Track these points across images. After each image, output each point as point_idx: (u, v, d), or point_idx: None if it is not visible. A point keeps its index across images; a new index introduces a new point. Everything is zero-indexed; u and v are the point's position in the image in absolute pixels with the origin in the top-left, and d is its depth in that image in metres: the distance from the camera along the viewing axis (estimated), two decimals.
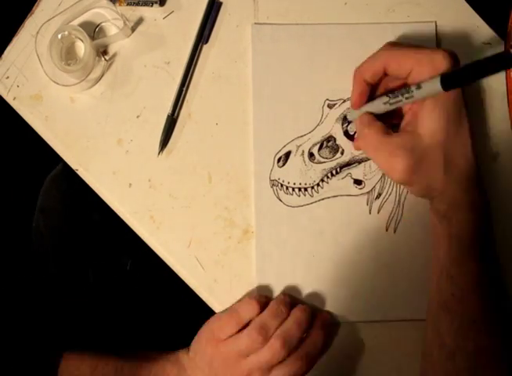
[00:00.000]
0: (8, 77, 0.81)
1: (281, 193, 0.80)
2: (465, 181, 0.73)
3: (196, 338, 0.80)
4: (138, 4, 0.82)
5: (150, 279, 0.86)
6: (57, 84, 0.79)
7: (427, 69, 0.70)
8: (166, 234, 0.80)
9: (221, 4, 0.83)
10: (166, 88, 0.82)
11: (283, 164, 0.80)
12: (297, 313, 0.77)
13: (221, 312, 0.80)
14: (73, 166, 0.81)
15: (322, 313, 0.79)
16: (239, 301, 0.79)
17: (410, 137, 0.72)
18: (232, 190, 0.81)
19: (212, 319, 0.79)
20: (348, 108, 0.81)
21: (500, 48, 0.83)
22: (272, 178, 0.80)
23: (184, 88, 0.81)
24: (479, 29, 0.84)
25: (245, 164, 0.81)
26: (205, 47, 0.82)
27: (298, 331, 0.76)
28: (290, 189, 0.80)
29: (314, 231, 0.80)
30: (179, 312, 1.00)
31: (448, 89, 0.67)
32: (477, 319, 0.71)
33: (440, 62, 0.70)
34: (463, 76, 0.67)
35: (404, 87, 0.72)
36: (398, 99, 0.72)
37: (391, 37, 0.82)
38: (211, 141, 0.81)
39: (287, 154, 0.81)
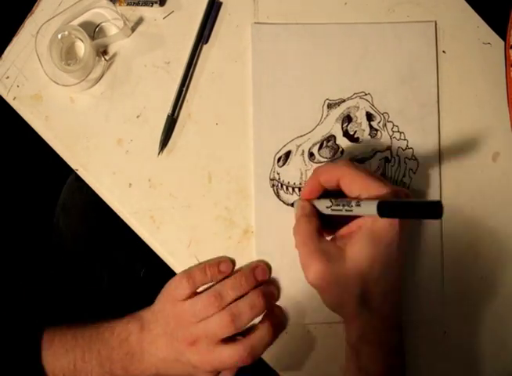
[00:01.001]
0: (8, 77, 0.81)
1: (281, 193, 0.80)
2: (378, 320, 0.72)
3: (159, 294, 0.80)
4: (138, 4, 0.82)
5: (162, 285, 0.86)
6: (57, 84, 0.79)
7: (373, 194, 0.70)
8: (166, 234, 0.80)
9: (221, 4, 0.83)
10: (166, 88, 0.82)
11: (283, 164, 0.80)
12: (252, 297, 0.76)
13: (182, 271, 0.79)
14: (74, 166, 0.81)
15: (277, 308, 0.80)
16: (199, 263, 0.79)
17: (335, 250, 0.72)
18: (232, 190, 0.81)
19: (172, 279, 0.79)
20: (298, 198, 0.80)
21: (501, 48, 0.83)
22: (272, 178, 0.80)
23: (184, 88, 0.81)
24: (479, 29, 0.84)
25: (245, 164, 0.81)
26: (205, 47, 0.82)
27: (250, 313, 0.75)
28: (290, 189, 0.80)
29: None
30: None
31: (383, 216, 0.66)
32: None
33: (385, 195, 0.70)
34: (398, 208, 0.66)
35: (347, 199, 0.71)
36: (338, 207, 0.72)
37: (391, 37, 0.82)
38: (211, 141, 0.81)
39: (287, 154, 0.81)
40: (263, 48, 0.82)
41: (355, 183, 0.71)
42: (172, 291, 0.78)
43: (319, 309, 0.79)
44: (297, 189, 0.80)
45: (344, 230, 0.74)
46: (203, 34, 0.82)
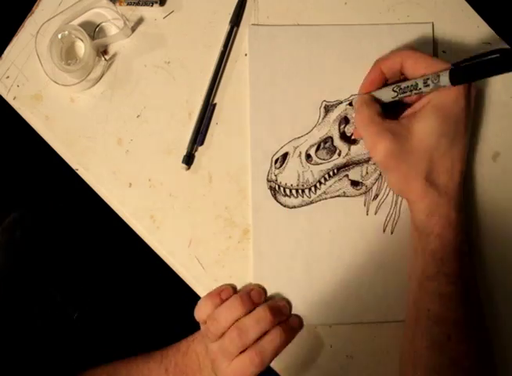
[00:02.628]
0: (8, 77, 0.81)
1: (278, 195, 0.80)
2: (444, 195, 0.73)
3: None
4: (138, 4, 0.82)
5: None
6: (57, 84, 0.79)
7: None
8: (166, 234, 0.80)
9: None
10: (166, 88, 0.82)
11: (281, 166, 0.80)
12: (258, 311, 0.77)
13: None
14: (73, 166, 0.81)
15: (293, 318, 0.80)
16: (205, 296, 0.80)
17: (402, 128, 0.73)
18: (232, 190, 0.81)
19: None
20: (354, 95, 0.81)
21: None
22: (269, 180, 0.80)
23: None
24: (479, 29, 0.84)
25: (245, 164, 0.81)
26: (205, 47, 0.82)
27: (257, 328, 0.75)
28: (288, 191, 0.80)
29: (311, 232, 0.80)
30: (179, 312, 1.00)
31: (456, 83, 0.68)
32: (452, 336, 0.71)
33: (449, 66, 0.71)
34: (472, 71, 0.67)
35: (412, 84, 0.73)
36: (406, 94, 0.73)
37: (388, 39, 0.82)
38: (212, 141, 0.81)
39: (284, 156, 0.81)
40: (260, 49, 0.82)
41: (419, 63, 0.73)
42: (196, 314, 0.79)
43: (318, 310, 0.80)
44: (294, 191, 0.80)
45: (408, 112, 0.76)
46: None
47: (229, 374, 0.76)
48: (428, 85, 0.71)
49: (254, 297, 0.78)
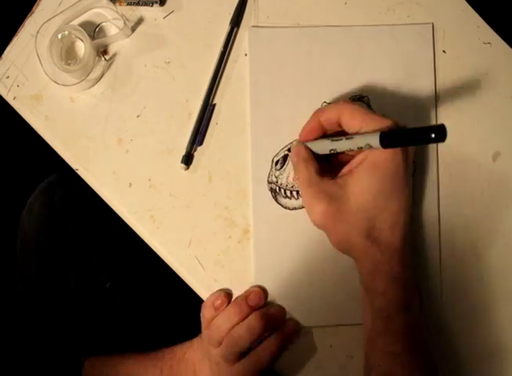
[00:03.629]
0: (8, 77, 0.81)
1: (279, 196, 0.80)
2: (387, 252, 0.72)
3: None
4: (138, 4, 0.82)
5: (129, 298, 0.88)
6: (57, 84, 0.79)
7: (374, 128, 0.71)
8: (166, 234, 0.80)
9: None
10: (166, 88, 0.82)
11: (281, 167, 0.80)
12: (249, 320, 0.77)
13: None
14: (74, 166, 0.81)
15: (289, 323, 0.80)
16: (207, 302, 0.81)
17: (337, 188, 0.72)
18: (232, 190, 0.81)
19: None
20: (292, 141, 0.81)
21: (501, 48, 0.83)
22: (270, 181, 0.80)
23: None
24: (479, 29, 0.84)
25: (245, 164, 0.81)
26: (205, 47, 0.82)
27: (248, 336, 0.76)
28: (288, 192, 0.80)
29: (312, 233, 0.79)
30: (179, 312, 1.00)
31: (386, 146, 0.67)
32: None
33: (387, 124, 0.70)
34: (401, 136, 0.67)
35: (345, 135, 0.73)
36: (335, 146, 0.73)
37: (388, 39, 0.82)
38: (211, 141, 0.81)
39: (285, 157, 0.81)
40: (260, 51, 0.82)
41: (354, 118, 0.72)
42: (201, 318, 0.81)
43: (318, 311, 0.80)
44: (295, 193, 0.80)
45: (344, 170, 0.75)
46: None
47: None
48: (361, 147, 0.70)
49: (252, 301, 0.78)
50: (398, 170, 0.71)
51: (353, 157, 0.74)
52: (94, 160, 0.81)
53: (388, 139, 0.67)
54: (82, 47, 0.81)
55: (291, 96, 0.81)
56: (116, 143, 0.81)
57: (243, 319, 0.77)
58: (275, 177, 0.80)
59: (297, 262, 0.80)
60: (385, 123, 0.70)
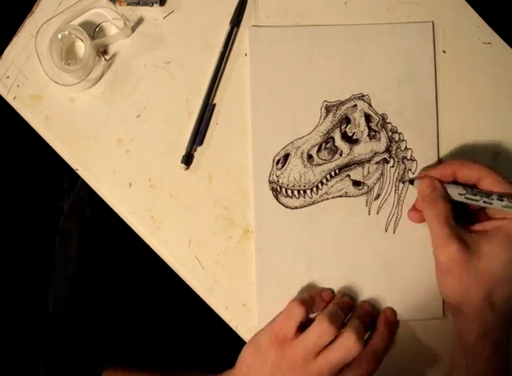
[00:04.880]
0: (8, 77, 0.81)
1: (280, 196, 0.80)
2: (499, 319, 0.72)
3: (242, 354, 0.77)
4: (138, 4, 0.82)
5: (149, 280, 0.86)
6: (57, 83, 0.79)
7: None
8: (166, 234, 0.80)
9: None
10: (166, 88, 0.82)
11: (282, 166, 0.80)
12: (364, 306, 0.78)
13: (265, 326, 0.77)
14: (73, 166, 0.81)
15: (386, 311, 0.80)
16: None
17: (472, 241, 0.72)
18: (232, 190, 0.81)
19: (263, 330, 0.77)
20: (419, 175, 0.81)
21: (501, 48, 0.83)
22: (271, 181, 0.80)
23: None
24: (479, 29, 0.84)
25: (245, 164, 0.81)
26: (205, 47, 0.82)
27: (365, 326, 0.76)
28: (289, 191, 0.80)
29: (313, 232, 0.80)
30: (179, 312, 1.00)
31: None
32: None
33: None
34: None
35: (486, 192, 0.74)
36: (475, 197, 0.74)
37: (389, 38, 0.82)
38: (211, 141, 0.81)
39: (286, 156, 0.81)
40: (261, 50, 0.82)
41: (498, 184, 0.73)
42: (278, 331, 0.74)
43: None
44: (296, 192, 0.80)
45: (476, 227, 0.75)
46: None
47: None
48: (503, 201, 0.72)
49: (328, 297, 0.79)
50: None
51: (480, 216, 0.76)
52: (94, 160, 0.81)
53: None
54: (82, 47, 0.81)
55: (292, 96, 0.81)
56: (116, 143, 0.81)
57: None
58: (277, 176, 0.80)
59: (298, 260, 0.80)
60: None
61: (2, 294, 1.00)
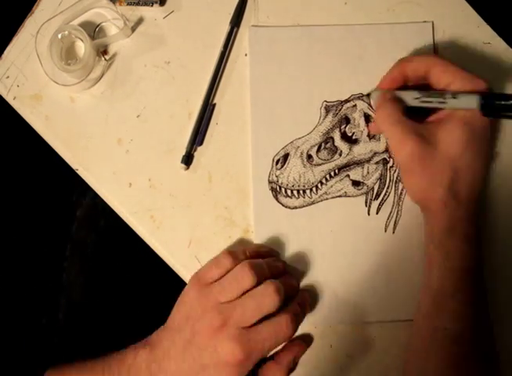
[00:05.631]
0: (8, 77, 0.81)
1: (279, 195, 0.80)
2: (465, 210, 0.72)
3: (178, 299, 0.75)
4: (138, 4, 0.82)
5: (149, 280, 0.86)
6: (57, 83, 0.79)
7: (467, 87, 0.72)
8: (166, 234, 0.80)
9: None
10: (166, 88, 0.82)
11: (282, 166, 0.80)
12: (287, 277, 0.75)
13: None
14: (74, 166, 0.81)
15: (304, 293, 0.78)
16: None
17: (428, 132, 0.72)
18: (232, 190, 0.81)
19: (197, 272, 0.75)
20: (374, 89, 0.81)
21: (501, 48, 0.83)
22: (270, 181, 0.80)
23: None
24: (479, 29, 0.84)
25: (245, 164, 0.81)
26: (205, 47, 0.82)
27: (290, 288, 0.74)
28: (289, 191, 0.80)
29: (313, 232, 0.80)
30: None
31: (487, 114, 0.68)
32: (469, 356, 0.70)
33: (482, 87, 0.71)
34: (506, 104, 0.68)
35: (440, 92, 0.73)
36: (429, 99, 0.73)
37: (388, 38, 0.82)
38: (211, 141, 0.81)
39: (285, 156, 0.81)
40: (260, 50, 0.82)
41: (446, 72, 0.73)
42: (201, 277, 0.73)
43: (318, 310, 0.80)
44: (295, 192, 0.80)
45: (431, 118, 0.75)
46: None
47: (246, 343, 0.68)
48: (457, 98, 0.71)
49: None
50: (486, 132, 0.73)
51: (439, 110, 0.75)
52: (94, 160, 0.81)
53: (490, 104, 0.69)
54: (82, 47, 0.81)
55: (291, 95, 0.81)
56: (116, 143, 0.81)
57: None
58: (276, 176, 0.80)
59: (297, 260, 0.80)
60: (482, 84, 0.72)
61: (13, 302, 1.01)
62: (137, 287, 0.99)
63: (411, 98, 0.75)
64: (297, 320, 0.73)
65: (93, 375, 0.74)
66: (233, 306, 0.69)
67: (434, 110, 0.76)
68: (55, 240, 1.03)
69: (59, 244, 1.03)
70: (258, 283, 0.70)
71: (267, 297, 0.69)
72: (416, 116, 0.76)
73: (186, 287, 0.75)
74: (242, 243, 0.80)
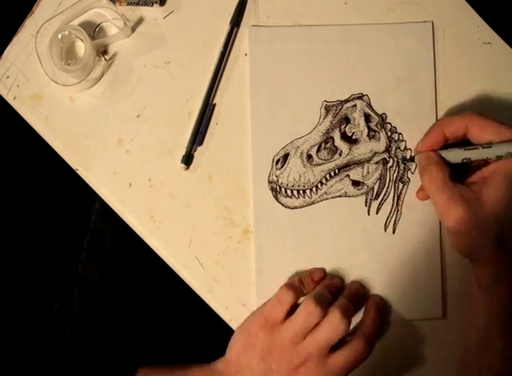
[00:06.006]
0: (8, 77, 0.81)
1: (279, 196, 0.80)
2: (510, 257, 0.72)
3: (232, 340, 0.78)
4: (138, 4, 0.82)
5: (149, 278, 0.86)
6: (57, 83, 0.79)
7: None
8: (166, 234, 0.80)
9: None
10: (166, 88, 0.82)
11: (282, 166, 0.80)
12: (353, 286, 0.78)
13: (255, 312, 0.79)
14: (74, 166, 0.81)
15: (375, 296, 0.80)
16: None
17: (472, 193, 0.72)
18: (232, 190, 0.81)
19: (252, 315, 0.78)
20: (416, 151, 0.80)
21: (501, 48, 0.83)
22: (270, 181, 0.80)
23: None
24: (479, 29, 0.84)
25: (245, 164, 0.81)
26: (205, 47, 0.82)
27: (352, 307, 0.76)
28: (289, 191, 0.80)
29: (313, 232, 0.80)
30: (178, 313, 1.00)
31: None
32: None
33: None
34: None
35: (476, 145, 0.74)
36: (475, 151, 0.73)
37: (388, 38, 0.82)
38: (211, 141, 0.81)
39: (285, 156, 0.81)
40: (260, 50, 0.82)
41: (485, 131, 0.73)
42: (268, 315, 0.76)
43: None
44: (295, 192, 0.80)
45: (474, 177, 0.76)
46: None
47: (328, 373, 0.74)
48: (501, 156, 0.71)
49: (317, 276, 0.79)
50: None
51: (481, 165, 0.75)
52: (94, 160, 0.81)
53: None
54: (82, 47, 0.81)
55: (291, 95, 0.81)
56: (116, 143, 0.81)
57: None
58: (276, 176, 0.80)
59: (298, 260, 0.80)
60: None
61: (27, 286, 1.02)
62: (153, 287, 1.00)
63: (458, 155, 0.75)
64: (370, 340, 0.76)
65: None
66: (307, 344, 0.74)
67: (476, 167, 0.76)
68: (73, 231, 1.04)
69: (77, 235, 1.04)
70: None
71: (334, 328, 0.73)
72: (458, 170, 0.76)
73: (250, 325, 0.78)
74: (242, 243, 0.80)
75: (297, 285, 0.78)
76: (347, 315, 0.74)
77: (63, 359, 0.94)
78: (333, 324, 0.73)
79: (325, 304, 0.75)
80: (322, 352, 0.74)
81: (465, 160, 0.74)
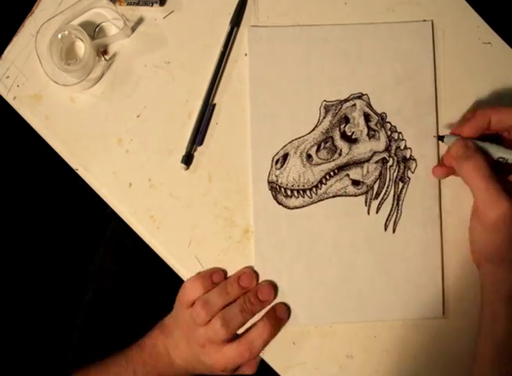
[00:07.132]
0: (8, 77, 0.81)
1: (279, 195, 0.80)
2: None
3: (176, 300, 0.82)
4: (138, 4, 0.82)
5: (150, 280, 0.87)
6: (57, 83, 0.79)
7: None
8: (166, 234, 0.81)
9: None
10: (166, 88, 0.82)
11: (281, 166, 0.80)
12: (241, 301, 0.78)
13: (193, 276, 0.80)
14: (74, 166, 0.81)
15: (278, 305, 0.80)
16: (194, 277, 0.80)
17: None
18: (232, 190, 0.81)
19: (184, 284, 0.81)
20: (448, 134, 0.79)
21: (501, 48, 0.83)
22: (270, 181, 0.80)
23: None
24: (479, 29, 0.84)
25: (245, 164, 0.81)
26: (205, 47, 0.82)
27: (240, 317, 0.77)
28: (289, 191, 0.80)
29: (312, 232, 0.80)
30: None
31: None
32: None
33: None
34: None
35: None
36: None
37: (387, 38, 0.82)
38: (211, 141, 0.81)
39: (285, 156, 0.81)
40: (260, 50, 0.82)
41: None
42: (182, 297, 0.80)
43: (319, 310, 0.80)
44: (295, 192, 0.80)
45: None
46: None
47: (220, 360, 0.78)
48: None
49: (244, 281, 0.79)
50: None
51: None
52: (94, 160, 0.81)
53: None
54: (82, 47, 0.81)
55: (291, 95, 0.81)
56: (116, 143, 0.81)
57: (235, 299, 0.78)
58: (276, 176, 0.80)
59: (298, 260, 0.80)
60: None
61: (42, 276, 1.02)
62: (169, 286, 1.00)
63: (491, 151, 0.74)
64: (250, 347, 0.78)
65: (117, 368, 0.82)
66: (204, 332, 0.78)
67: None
68: (93, 225, 1.04)
69: (96, 229, 1.04)
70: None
71: (215, 333, 0.77)
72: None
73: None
74: (242, 243, 0.80)
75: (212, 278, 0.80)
76: (228, 326, 0.76)
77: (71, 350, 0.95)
78: (215, 329, 0.76)
79: (212, 310, 0.77)
80: (213, 343, 0.77)
81: (500, 160, 0.74)
